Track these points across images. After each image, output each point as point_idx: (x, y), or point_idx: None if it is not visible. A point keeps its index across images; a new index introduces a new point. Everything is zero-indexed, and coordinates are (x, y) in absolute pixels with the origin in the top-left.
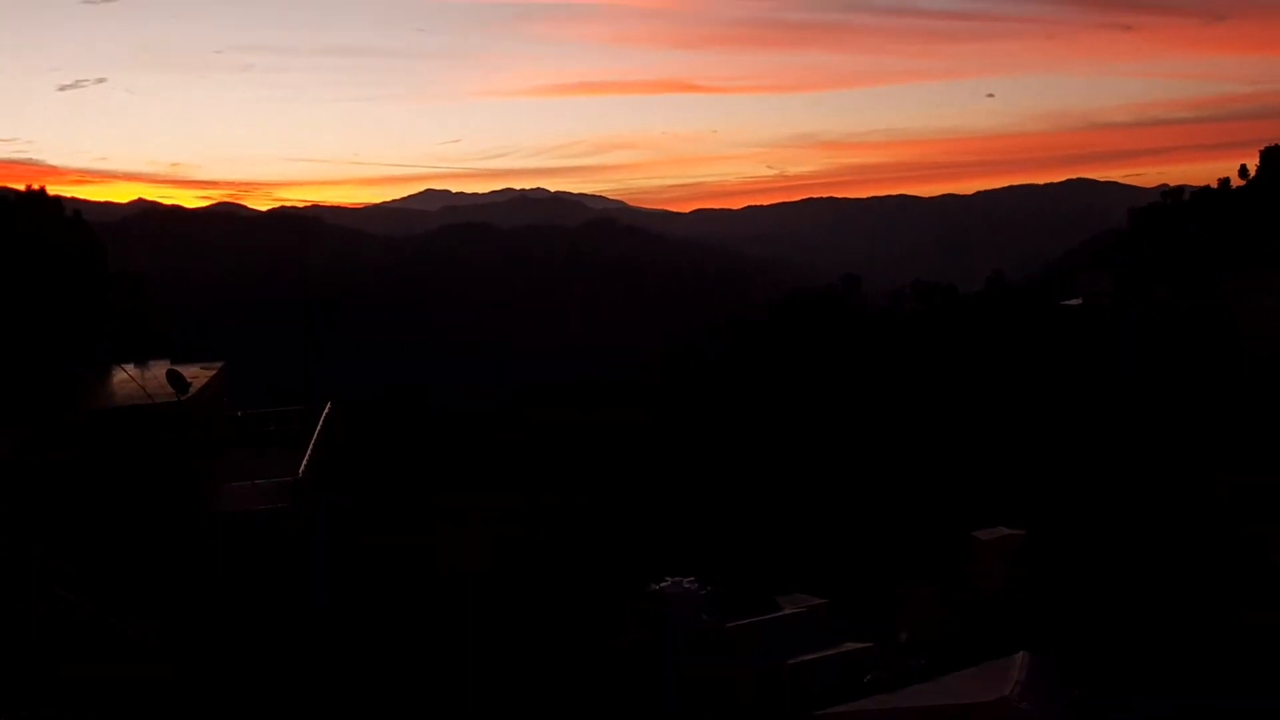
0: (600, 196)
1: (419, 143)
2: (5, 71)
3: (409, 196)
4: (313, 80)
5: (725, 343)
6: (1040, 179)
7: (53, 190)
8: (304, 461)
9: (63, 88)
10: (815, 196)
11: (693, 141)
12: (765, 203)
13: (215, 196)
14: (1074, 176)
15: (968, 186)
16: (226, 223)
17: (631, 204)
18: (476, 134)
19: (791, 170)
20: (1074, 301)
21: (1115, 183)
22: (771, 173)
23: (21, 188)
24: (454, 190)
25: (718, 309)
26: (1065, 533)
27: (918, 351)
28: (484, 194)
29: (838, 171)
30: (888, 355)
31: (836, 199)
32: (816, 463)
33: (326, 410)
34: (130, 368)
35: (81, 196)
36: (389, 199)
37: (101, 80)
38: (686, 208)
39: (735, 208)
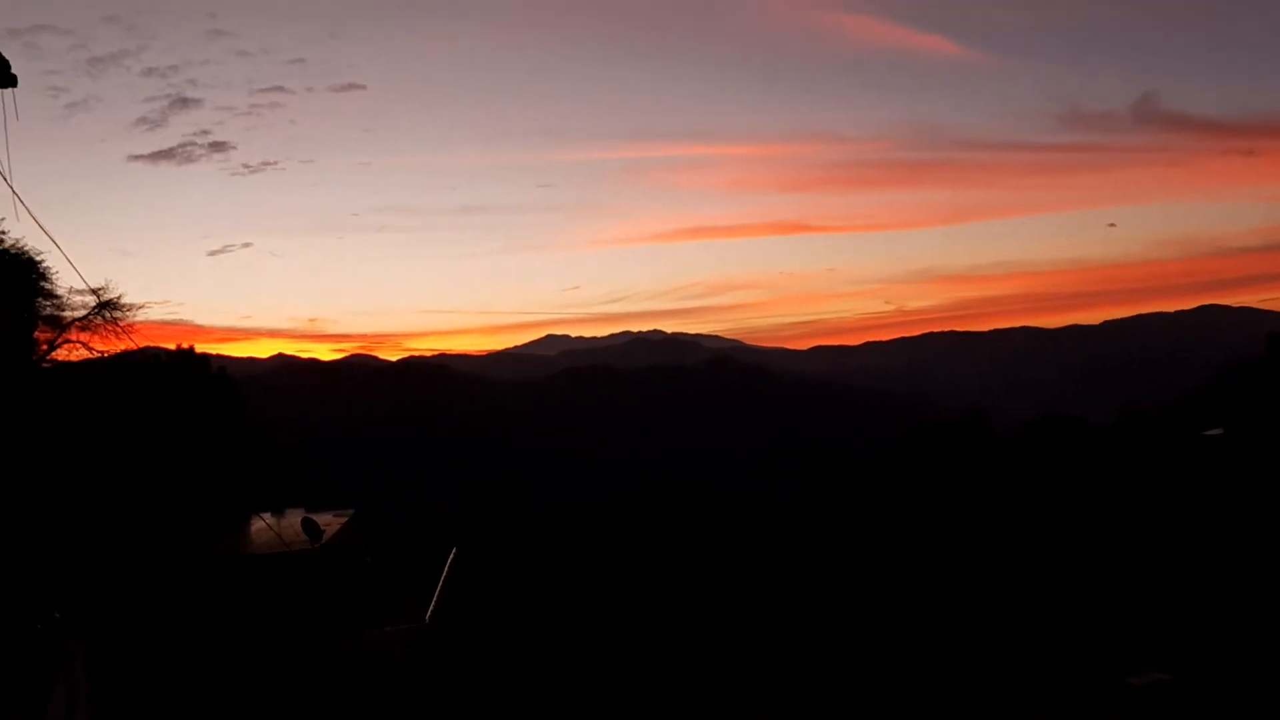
0: (717, 336)
1: (541, 291)
2: (162, 241)
3: (531, 342)
4: (442, 237)
5: (850, 478)
6: (1169, 307)
7: (200, 348)
8: (432, 605)
9: (212, 253)
10: (936, 331)
11: (809, 280)
12: (885, 338)
13: (349, 349)
14: (1204, 303)
15: (1094, 316)
16: (359, 373)
17: (749, 342)
18: (595, 280)
19: (910, 305)
20: (1215, 432)
21: (1249, 308)
22: (890, 308)
23: (173, 347)
24: (574, 335)
25: (840, 444)
26: (1220, 676)
27: (1051, 487)
28: (603, 337)
29: (958, 305)
30: (1019, 491)
31: (958, 333)
32: (950, 601)
33: (453, 555)
34: (268, 516)
35: (227, 353)
36: (512, 345)
37: (247, 245)
38: (805, 345)
39: (854, 344)
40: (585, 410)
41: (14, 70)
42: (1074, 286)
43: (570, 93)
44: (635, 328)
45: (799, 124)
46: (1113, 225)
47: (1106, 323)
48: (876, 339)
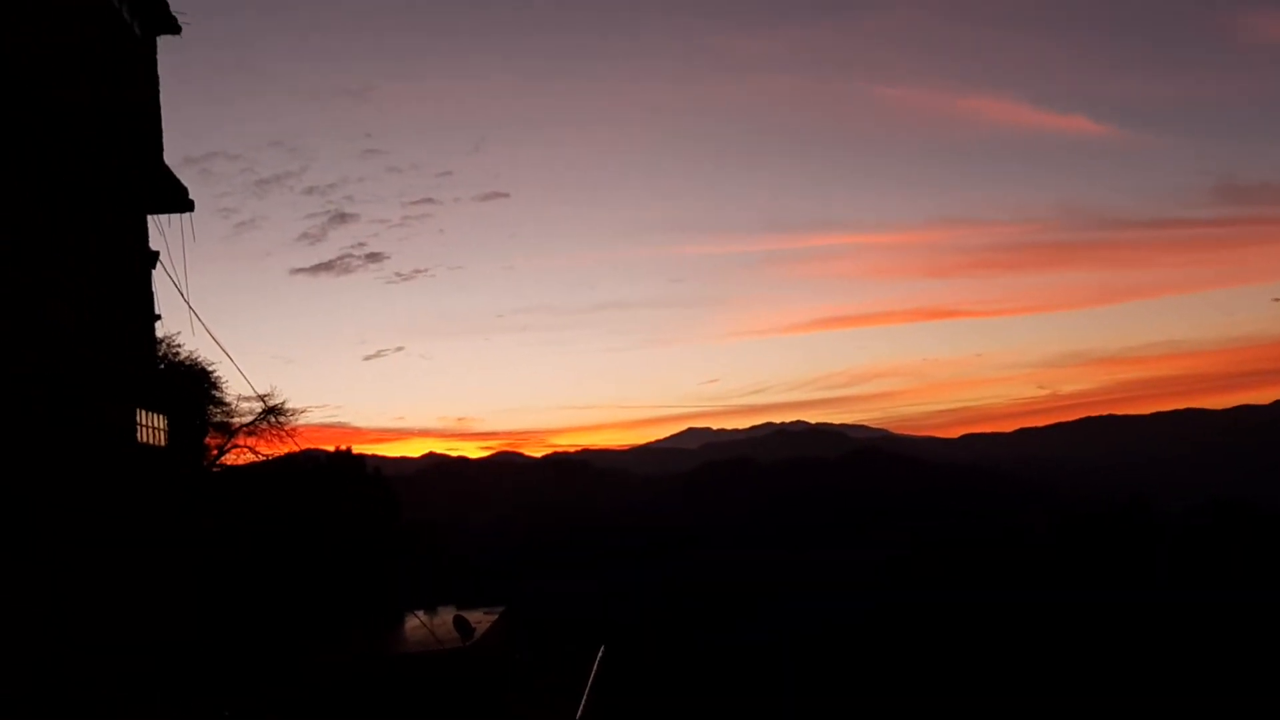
0: (862, 426)
1: (679, 384)
2: (322, 347)
3: (671, 436)
4: (582, 335)
5: (1010, 569)
6: None
7: (357, 449)
8: (581, 705)
9: (367, 357)
10: (1093, 415)
11: (955, 366)
12: (1039, 424)
13: (496, 446)
14: None
15: (1263, 396)
16: (506, 470)
17: (896, 431)
18: (733, 373)
19: (1065, 389)
20: None
21: None
22: (1043, 393)
23: (332, 448)
24: (714, 428)
25: (996, 534)
26: None
27: (1219, 575)
28: (744, 429)
29: (1116, 388)
30: (1187, 580)
31: (1117, 416)
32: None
33: (600, 653)
34: (421, 614)
35: (382, 453)
36: (654, 439)
37: (399, 349)
38: (954, 433)
39: (1006, 430)
40: (728, 504)
41: (191, 196)
42: (1238, 365)
43: (701, 188)
44: (777, 419)
45: (937, 209)
46: (1278, 300)
47: (1277, 402)
48: (1030, 425)
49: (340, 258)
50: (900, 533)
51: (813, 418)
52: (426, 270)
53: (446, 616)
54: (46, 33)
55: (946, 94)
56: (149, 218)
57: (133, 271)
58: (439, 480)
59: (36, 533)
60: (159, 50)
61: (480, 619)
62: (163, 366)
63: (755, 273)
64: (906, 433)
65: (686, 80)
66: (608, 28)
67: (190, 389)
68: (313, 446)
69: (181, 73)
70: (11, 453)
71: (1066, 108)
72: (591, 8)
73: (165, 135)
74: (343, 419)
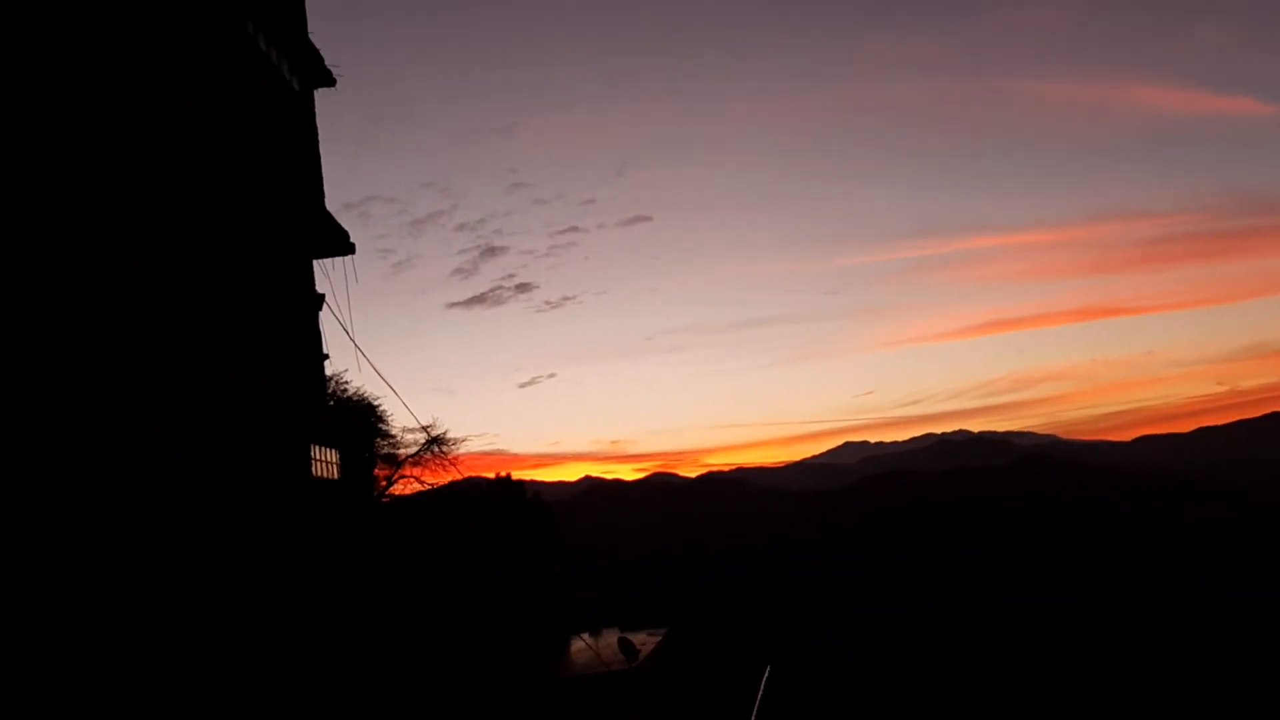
0: (1029, 432)
1: (834, 398)
2: (478, 378)
3: (828, 451)
4: (732, 353)
5: (1204, 581)
6: None
7: (516, 475)
8: None
9: (521, 385)
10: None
11: (1126, 366)
12: (1218, 422)
13: (650, 468)
14: None
15: None
16: (661, 491)
17: (1064, 437)
18: (890, 384)
19: (1245, 384)
20: None
21: None
22: (1222, 389)
23: (491, 475)
24: (872, 441)
25: (1181, 542)
26: None
27: None
28: (903, 441)
29: None
30: None
31: None
32: None
33: (767, 673)
34: (586, 636)
35: (539, 478)
36: (809, 455)
37: (552, 375)
38: (1128, 435)
39: (1184, 430)
40: (890, 517)
41: (352, 239)
42: None
43: (848, 198)
44: (937, 429)
45: (1096, 203)
46: None
47: None
48: (1210, 423)
49: (492, 290)
50: (1078, 539)
51: (975, 426)
52: (574, 297)
53: (611, 638)
54: (220, 99)
55: (1100, 84)
56: (314, 262)
57: (302, 314)
58: (595, 503)
59: (233, 563)
60: (316, 102)
61: (644, 641)
62: (332, 403)
63: (908, 280)
64: (1076, 437)
65: (828, 90)
66: (744, 44)
67: (359, 423)
68: (474, 474)
69: (337, 122)
70: (206, 488)
71: (1230, 88)
72: (726, 26)
73: (324, 182)
74: (500, 446)
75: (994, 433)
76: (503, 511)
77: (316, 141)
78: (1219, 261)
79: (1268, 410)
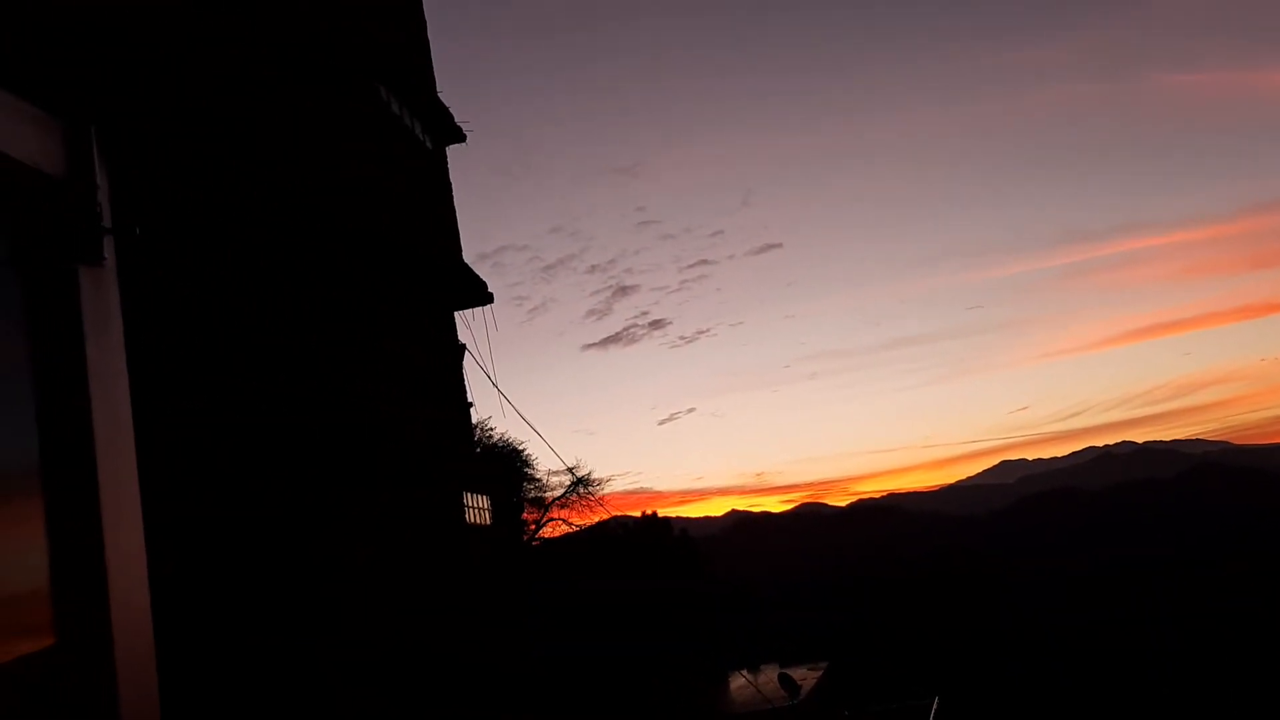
0: (1199, 440)
1: (987, 416)
2: (617, 416)
3: (983, 471)
4: (874, 375)
5: None
6: None
7: (661, 512)
8: None
9: (661, 422)
10: None
11: None
12: None
13: (798, 498)
14: None
15: None
16: (811, 522)
17: (1238, 443)
18: (1045, 397)
19: None
20: None
21: None
22: None
23: (638, 514)
24: (1030, 458)
25: None
26: None
27: None
28: (1063, 457)
29: None
30: None
31: None
32: None
33: (934, 706)
34: (745, 672)
35: (684, 514)
36: (965, 476)
37: (691, 410)
38: None
39: None
40: (1054, 536)
41: (489, 289)
42: None
43: (988, 209)
44: (1099, 442)
45: (1250, 194)
46: None
47: None
48: None
49: (626, 329)
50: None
51: (1139, 436)
52: (708, 330)
53: (771, 674)
54: (363, 163)
55: (1243, 72)
56: (455, 314)
57: (447, 364)
58: (743, 537)
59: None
60: (449, 159)
61: (805, 675)
62: (479, 450)
63: (1057, 289)
64: (1251, 442)
65: (959, 101)
66: (868, 62)
67: (506, 469)
68: (620, 513)
69: (469, 176)
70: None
71: None
72: (847, 45)
73: (460, 235)
74: (644, 484)
75: (1160, 442)
76: (650, 549)
77: (451, 196)
78: None
79: None
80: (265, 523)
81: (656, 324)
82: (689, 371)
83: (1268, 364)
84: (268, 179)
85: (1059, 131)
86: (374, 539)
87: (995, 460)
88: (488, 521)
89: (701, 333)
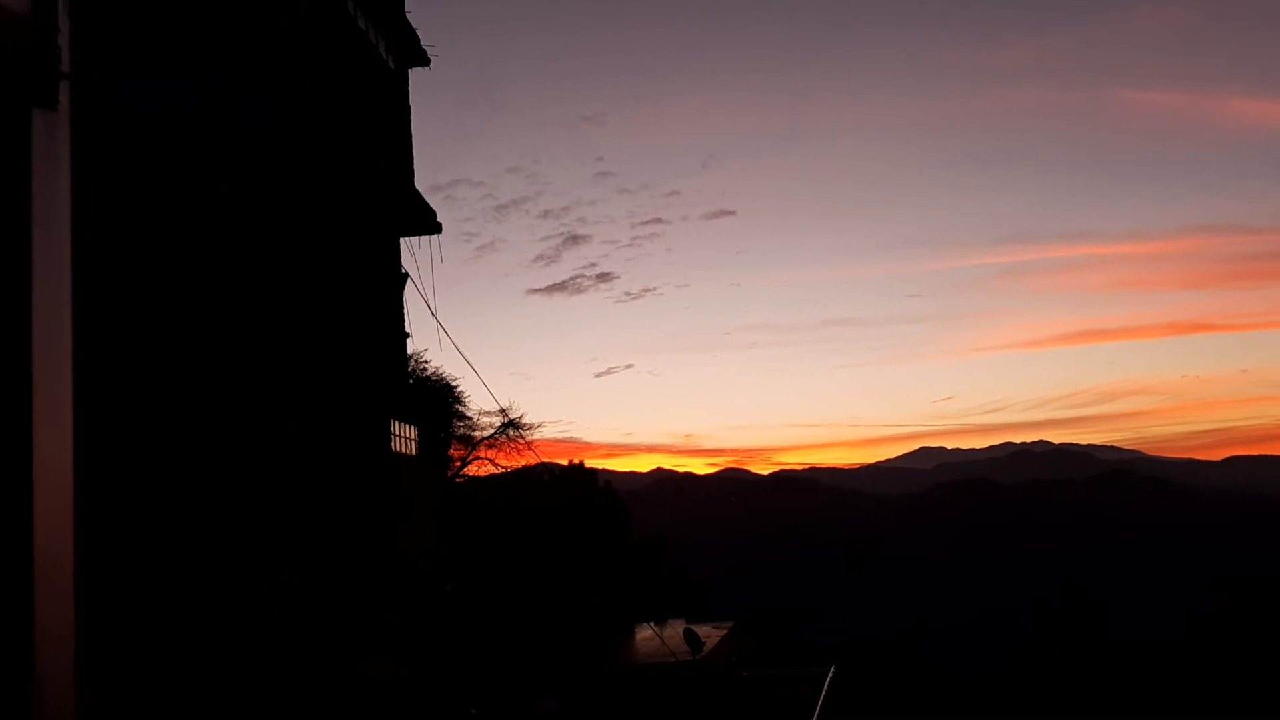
0: (1112, 446)
1: (912, 402)
2: (556, 365)
3: (903, 455)
4: (810, 352)
5: None
6: None
7: (589, 463)
8: None
9: (598, 374)
10: None
11: (1218, 384)
12: None
13: (722, 463)
14: None
15: None
16: (732, 486)
17: (1150, 453)
18: (970, 390)
19: None
20: None
21: None
22: None
23: (565, 462)
24: (949, 447)
25: (1276, 572)
26: None
27: None
28: (981, 449)
29: None
30: None
31: None
32: None
33: (830, 674)
34: (652, 625)
35: (611, 467)
36: (884, 458)
37: (629, 366)
38: (1218, 455)
39: (1277, 453)
40: (967, 527)
41: (438, 220)
42: None
43: (937, 201)
44: (1017, 438)
45: (1194, 216)
46: None
47: None
48: None
49: (573, 278)
50: (1161, 567)
51: (1057, 437)
52: (655, 289)
53: (677, 629)
54: (322, 73)
55: (1201, 96)
56: (401, 241)
57: (387, 290)
58: (667, 495)
59: (292, 521)
60: (410, 82)
61: (710, 633)
62: (412, 381)
63: (996, 286)
64: (1162, 454)
65: (922, 93)
66: (838, 47)
67: (438, 403)
68: (547, 460)
69: (428, 103)
70: (283, 450)
71: None
72: (822, 22)
73: (414, 162)
74: (574, 434)
75: (1076, 445)
76: (574, 498)
77: (409, 121)
78: None
79: None
80: (184, 421)
81: (604, 277)
82: (631, 328)
83: (1188, 381)
84: (224, 70)
85: (1014, 133)
86: (297, 456)
87: (915, 446)
88: (414, 452)
89: (648, 290)
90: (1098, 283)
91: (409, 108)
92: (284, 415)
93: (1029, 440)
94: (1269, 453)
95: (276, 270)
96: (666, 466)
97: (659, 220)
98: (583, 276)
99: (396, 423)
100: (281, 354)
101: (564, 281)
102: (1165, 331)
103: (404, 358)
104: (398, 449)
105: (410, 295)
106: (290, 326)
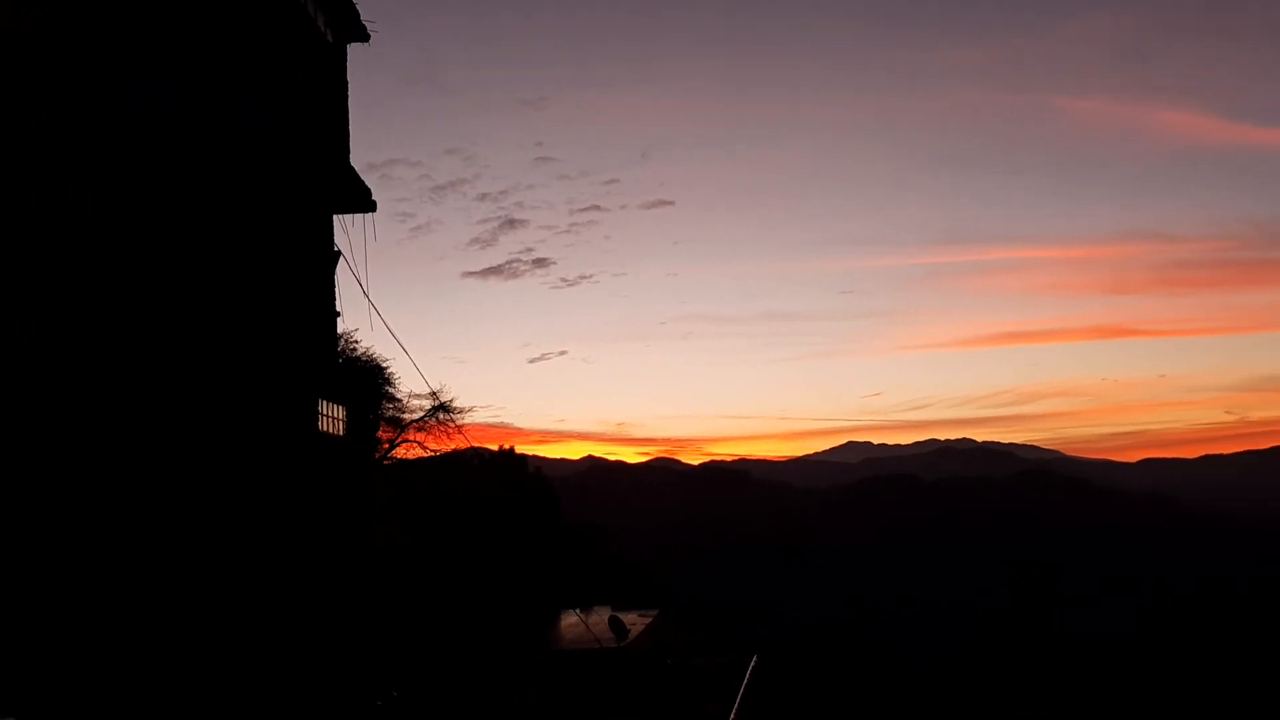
0: (1033, 446)
1: (842, 397)
2: (489, 349)
3: (831, 449)
4: (744, 344)
5: (1200, 617)
6: None
7: (519, 449)
8: (732, 715)
9: (532, 360)
10: None
11: (1136, 388)
12: (1226, 451)
13: (654, 452)
14: None
15: None
16: (663, 476)
17: (1069, 453)
18: (899, 387)
19: (1255, 415)
20: None
21: None
22: (1231, 418)
23: (495, 447)
24: (875, 442)
25: (1185, 572)
26: None
27: None
28: (906, 445)
29: None
30: None
31: None
32: None
33: (753, 663)
34: (578, 612)
35: (542, 454)
36: (813, 451)
37: (563, 352)
38: (1133, 457)
39: (1190, 457)
40: (893, 522)
41: (373, 198)
42: None
43: (874, 200)
44: (942, 435)
45: (1122, 225)
46: None
47: None
48: (1216, 451)
49: (509, 262)
50: (1076, 562)
51: (980, 435)
52: (591, 276)
53: (602, 616)
54: (254, 41)
55: (1134, 106)
56: (335, 218)
57: (319, 267)
58: (597, 483)
59: (224, 497)
60: (349, 57)
61: (635, 620)
62: (341, 361)
63: (927, 286)
64: (1080, 454)
65: (863, 94)
66: (779, 43)
67: (367, 383)
68: (478, 444)
69: (367, 81)
70: (208, 423)
71: (1266, 120)
72: (764, 23)
73: (351, 138)
74: (506, 419)
75: (998, 443)
76: (505, 483)
77: (346, 96)
78: (1237, 291)
79: (1276, 443)
80: (118, 384)
81: (540, 262)
82: (566, 314)
83: (1108, 384)
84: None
85: (952, 136)
86: (224, 431)
87: (843, 440)
88: (341, 432)
89: (584, 277)
90: (1025, 286)
91: (346, 83)
92: (258, 399)
93: (953, 438)
94: (1181, 455)
95: (247, 253)
96: (598, 454)
97: (598, 208)
98: (519, 261)
99: (325, 402)
100: (255, 336)
101: (500, 265)
102: (1089, 335)
103: (334, 337)
104: (325, 429)
105: (342, 274)
106: (253, 305)
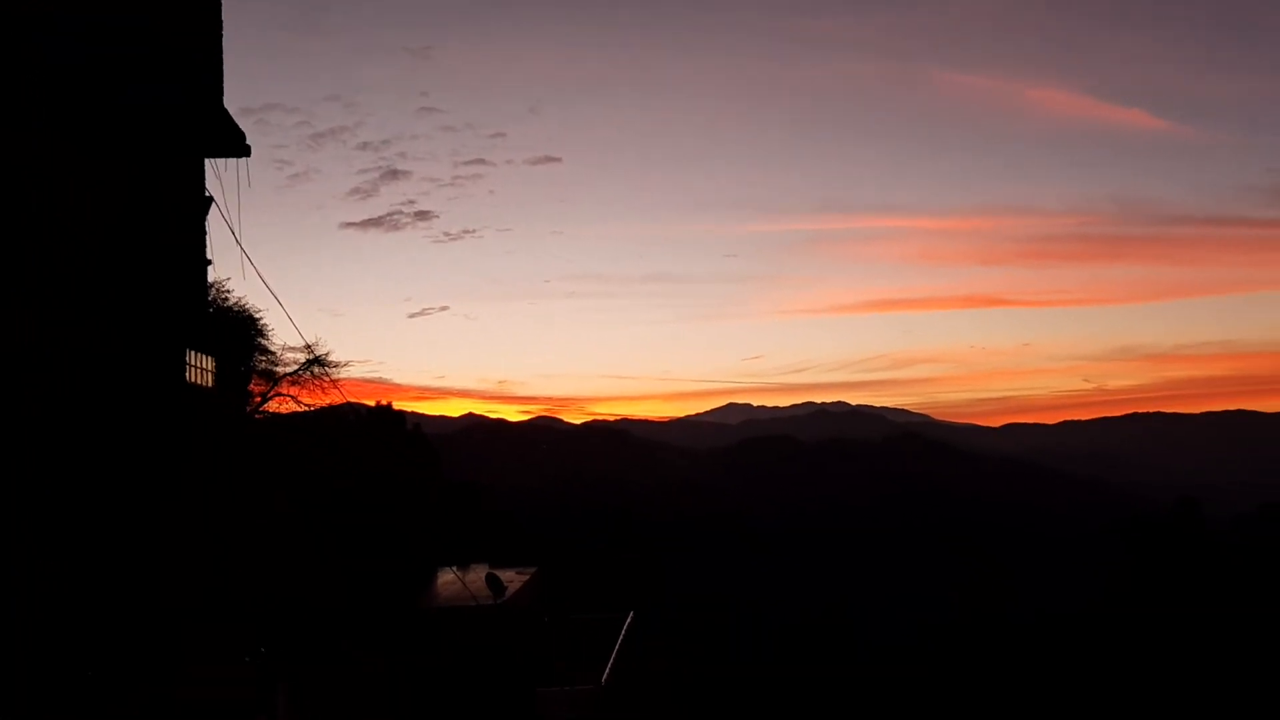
0: (903, 410)
1: (723, 360)
2: (367, 303)
3: (711, 410)
4: (628, 305)
5: (1053, 570)
6: None
7: (398, 405)
8: (607, 669)
9: (411, 315)
10: (1141, 411)
11: (1002, 355)
12: (1084, 417)
13: (535, 411)
14: None
15: None
16: (544, 434)
17: (937, 417)
18: (778, 350)
19: (1112, 384)
20: None
21: None
22: (1089, 386)
23: (372, 403)
24: (755, 404)
25: (1038, 531)
26: None
27: (1271, 584)
28: (785, 407)
29: (1165, 385)
30: (1235, 589)
31: (1165, 414)
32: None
33: (629, 620)
34: (454, 570)
35: (421, 410)
36: (694, 412)
37: (444, 308)
38: (997, 422)
39: (1050, 422)
40: (766, 481)
41: (247, 142)
42: None
43: (758, 165)
44: (818, 399)
45: (992, 197)
46: None
47: None
48: (1075, 418)
49: (390, 214)
50: (936, 520)
51: (854, 399)
52: (475, 231)
53: (480, 573)
54: None
55: (1007, 82)
56: (206, 162)
57: (187, 213)
58: (477, 441)
59: (84, 457)
60: None
61: (512, 578)
62: (212, 310)
63: (807, 252)
64: (948, 419)
65: (749, 57)
66: (669, 3)
67: (238, 334)
68: (354, 400)
69: (243, 20)
70: (63, 377)
71: (1128, 100)
72: None
73: (225, 82)
74: (384, 375)
75: (871, 406)
76: (382, 439)
77: (220, 33)
78: (1099, 264)
79: (1130, 410)
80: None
81: (422, 215)
82: (448, 269)
83: (975, 351)
84: None
85: (834, 103)
86: (82, 377)
87: (724, 402)
88: (209, 384)
89: (468, 232)
90: (899, 254)
91: (220, 20)
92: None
93: (829, 401)
94: (1042, 421)
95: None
96: (478, 412)
97: (482, 161)
98: (400, 213)
99: (193, 352)
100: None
101: (380, 217)
102: (958, 304)
103: (204, 285)
104: (192, 379)
105: (214, 220)
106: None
